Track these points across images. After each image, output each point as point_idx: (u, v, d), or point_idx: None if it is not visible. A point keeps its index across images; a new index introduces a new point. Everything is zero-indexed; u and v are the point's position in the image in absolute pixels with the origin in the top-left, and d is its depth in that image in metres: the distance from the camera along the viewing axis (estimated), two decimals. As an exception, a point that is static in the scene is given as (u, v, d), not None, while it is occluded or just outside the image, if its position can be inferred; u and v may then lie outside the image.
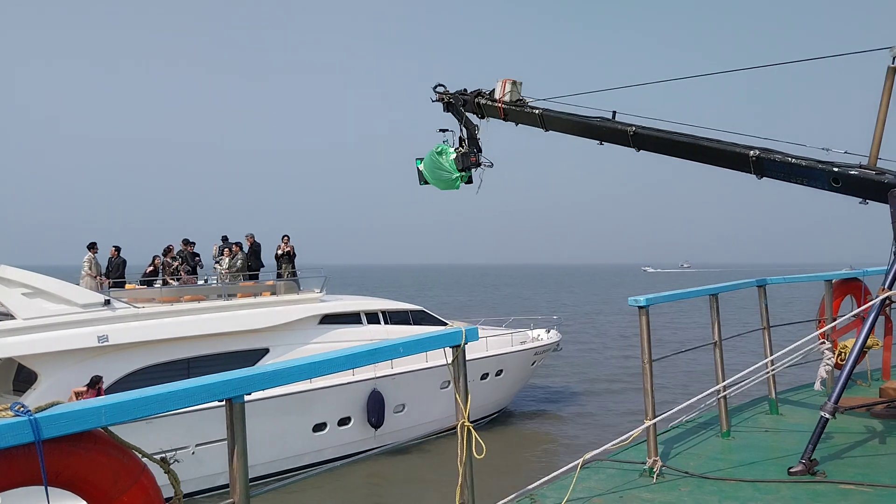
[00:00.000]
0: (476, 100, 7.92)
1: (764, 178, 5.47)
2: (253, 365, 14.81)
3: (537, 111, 7.19)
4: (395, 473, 14.86)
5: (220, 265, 17.22)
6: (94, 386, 12.13)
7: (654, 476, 4.61)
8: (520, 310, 49.10)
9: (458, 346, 3.79)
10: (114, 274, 15.68)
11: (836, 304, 7.09)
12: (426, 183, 9.00)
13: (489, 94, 7.85)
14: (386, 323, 17.49)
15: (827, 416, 4.66)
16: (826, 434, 4.78)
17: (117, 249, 16.25)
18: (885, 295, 4.82)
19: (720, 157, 5.70)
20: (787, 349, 5.27)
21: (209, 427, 12.83)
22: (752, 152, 5.44)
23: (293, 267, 17.79)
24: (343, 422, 15.79)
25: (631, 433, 4.73)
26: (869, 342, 6.56)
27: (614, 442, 4.69)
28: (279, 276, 17.51)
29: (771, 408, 6.37)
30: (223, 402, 2.91)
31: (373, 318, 17.37)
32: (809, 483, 4.37)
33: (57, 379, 12.51)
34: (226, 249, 17.44)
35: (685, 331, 35.65)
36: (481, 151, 8.29)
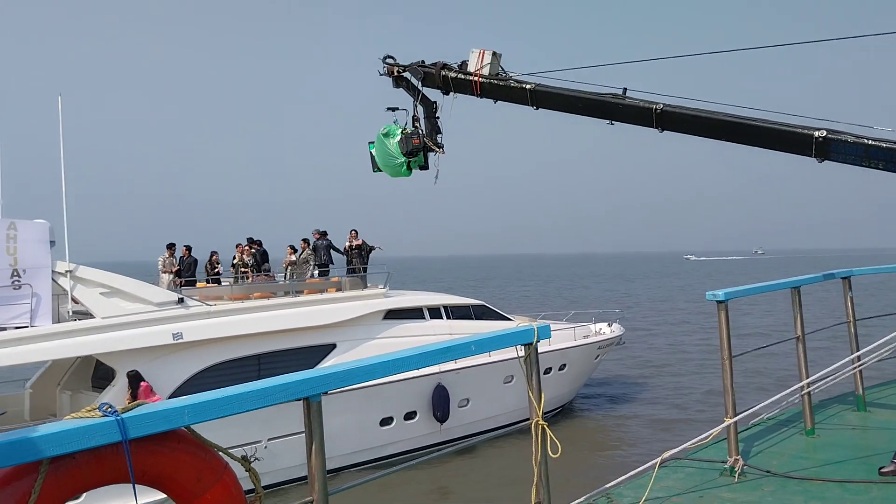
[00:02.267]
0: (442, 73, 7.07)
1: (826, 161, 5.07)
2: (321, 360, 15.12)
3: (528, 86, 6.48)
4: (465, 470, 14.87)
5: (294, 263, 17.51)
6: (137, 383, 12.54)
7: (736, 475, 4.47)
8: (578, 302, 48.57)
9: (531, 343, 3.75)
10: (186, 272, 16.15)
11: None
12: (379, 170, 8.08)
13: (459, 66, 7.01)
14: (448, 318, 17.52)
15: (921, 414, 4.42)
16: None
17: (188, 249, 16.74)
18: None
19: (774, 139, 5.26)
20: (877, 343, 5.02)
21: (281, 422, 13.10)
22: (817, 133, 5.04)
23: (364, 262, 17.96)
24: (409, 416, 15.90)
25: (711, 432, 4.59)
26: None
27: (693, 441, 4.56)
28: (350, 271, 17.71)
29: (858, 404, 6.10)
30: (300, 400, 2.96)
31: (435, 312, 17.41)
32: None
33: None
34: (289, 247, 17.75)
35: (754, 321, 34.66)
36: (440, 133, 7.47)
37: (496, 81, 6.71)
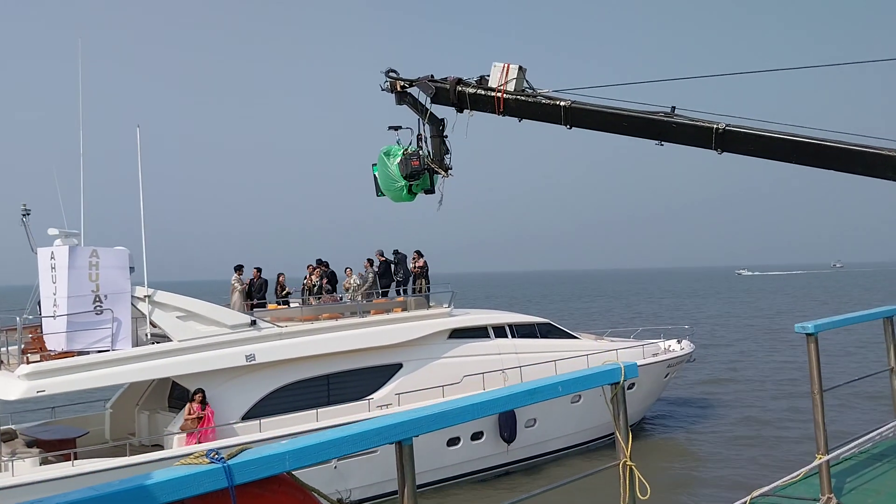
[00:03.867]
0: (457, 88, 6.57)
1: None
2: (388, 380, 15.26)
3: (563, 103, 6.05)
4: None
5: (353, 284, 17.73)
6: (194, 400, 12.92)
7: (829, 514, 4.32)
8: (640, 318, 47.63)
9: (618, 383, 3.72)
10: (257, 294, 16.53)
11: None
12: (383, 194, 7.55)
13: (478, 81, 6.54)
14: (513, 336, 17.43)
15: None
16: None
17: (258, 271, 17.13)
18: None
19: (858, 161, 4.97)
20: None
21: None
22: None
23: (427, 282, 18.06)
24: (476, 436, 15.85)
25: (802, 469, 4.46)
26: None
27: (785, 479, 4.43)
28: (414, 291, 17.83)
29: None
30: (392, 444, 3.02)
31: (500, 331, 17.36)
32: None
33: (210, 396, 13.31)
34: (348, 269, 17.97)
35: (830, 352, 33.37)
36: (449, 153, 6.96)
37: (523, 98, 6.29)
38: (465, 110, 6.66)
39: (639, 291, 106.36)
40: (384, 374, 15.32)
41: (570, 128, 6.04)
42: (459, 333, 16.69)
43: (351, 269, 17.84)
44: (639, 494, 3.59)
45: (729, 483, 14.78)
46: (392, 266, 17.76)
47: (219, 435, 13.05)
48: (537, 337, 17.95)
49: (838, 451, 4.48)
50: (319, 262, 18.14)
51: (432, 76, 6.79)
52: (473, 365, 16.17)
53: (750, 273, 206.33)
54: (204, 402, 13.06)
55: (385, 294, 17.49)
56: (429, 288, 17.92)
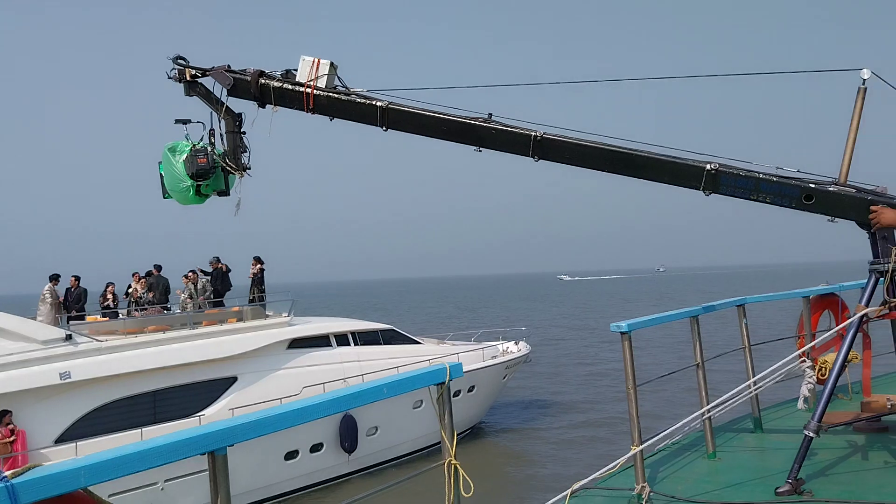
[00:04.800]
0: (260, 81, 6.03)
1: (713, 194, 5.12)
2: (221, 394, 14.55)
3: (380, 103, 5.71)
4: (379, 502, 14.61)
5: (185, 293, 16.84)
6: (1, 423, 11.81)
7: (643, 502, 4.55)
8: (481, 322, 48.98)
9: (443, 383, 3.72)
10: (74, 305, 15.24)
11: (815, 320, 7.14)
12: (169, 196, 6.79)
13: (284, 75, 6.07)
14: (356, 344, 17.27)
15: (811, 434, 4.65)
16: (811, 451, 4.78)
17: (77, 279, 15.82)
18: (863, 312, 4.84)
19: (664, 171, 5.22)
20: (770, 368, 5.27)
21: (177, 462, 12.50)
22: (709, 165, 5.09)
23: (261, 290, 17.47)
24: (315, 448, 15.51)
25: (618, 461, 4.68)
26: (848, 356, 6.64)
27: (602, 470, 4.63)
28: (250, 300, 17.20)
29: (755, 427, 6.37)
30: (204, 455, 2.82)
31: (342, 339, 17.13)
32: (797, 503, 4.35)
33: (20, 419, 12.07)
34: (185, 277, 17.09)
35: (660, 350, 35.96)
36: (246, 151, 6.38)
37: (336, 95, 5.90)
38: (268, 105, 6.10)
39: (474, 297, 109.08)
40: (217, 388, 14.59)
41: (387, 129, 5.75)
42: (299, 343, 16.27)
43: (188, 278, 16.93)
44: (462, 493, 3.60)
45: (556, 478, 15.47)
46: (223, 276, 17.01)
47: (32, 460, 11.85)
48: (381, 344, 17.90)
49: (652, 442, 4.75)
50: (158, 267, 17.04)
51: (229, 66, 6.19)
52: (314, 375, 15.83)
53: (570, 278, 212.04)
54: (11, 425, 11.81)
55: (219, 304, 16.73)
56: (264, 296, 17.34)
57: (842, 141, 5.04)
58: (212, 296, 16.66)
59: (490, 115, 5.55)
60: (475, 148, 5.59)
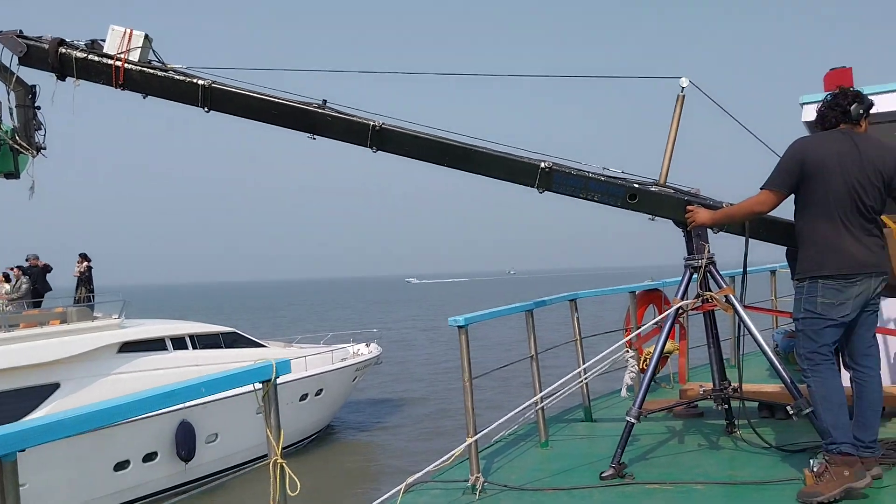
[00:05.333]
0: (60, 50, 5.36)
1: (546, 192, 5.25)
2: (41, 403, 13.34)
3: (202, 82, 5.25)
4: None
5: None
6: None
7: (477, 493, 4.60)
8: (329, 326, 48.32)
9: (269, 380, 3.55)
10: None
11: (641, 314, 7.58)
12: None
13: (88, 45, 5.45)
14: (194, 347, 16.46)
15: (632, 420, 4.88)
16: (633, 437, 5.03)
17: None
18: (678, 305, 5.16)
19: (501, 168, 5.29)
20: (596, 358, 5.51)
21: None
22: (543, 164, 5.22)
23: (89, 290, 16.23)
24: (149, 457, 14.59)
25: (453, 452, 4.70)
26: (669, 347, 7.10)
27: (436, 463, 4.62)
28: (76, 300, 15.93)
29: (585, 416, 6.65)
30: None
31: (180, 343, 16.26)
32: (619, 486, 4.55)
33: None
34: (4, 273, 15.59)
35: (501, 345, 37.09)
36: (41, 129, 5.73)
37: (152, 71, 5.33)
38: (68, 78, 5.42)
39: (323, 301, 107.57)
40: (36, 396, 13.36)
41: (209, 111, 5.28)
42: (132, 347, 15.26)
43: (6, 276, 15.41)
44: (289, 492, 3.45)
45: (399, 474, 15.58)
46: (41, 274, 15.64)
47: None
48: (222, 347, 17.17)
49: (485, 433, 4.81)
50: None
51: (21, 31, 5.47)
52: (148, 380, 14.84)
53: (419, 281, 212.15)
54: None
55: (38, 305, 15.35)
56: (92, 296, 16.14)
57: (662, 145, 5.36)
58: (30, 295, 15.26)
59: (325, 101, 5.28)
60: (309, 136, 5.29)
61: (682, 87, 5.25)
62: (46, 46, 5.40)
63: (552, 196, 5.34)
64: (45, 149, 5.73)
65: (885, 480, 4.20)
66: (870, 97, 4.42)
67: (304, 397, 18.10)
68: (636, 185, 5.23)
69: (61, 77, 5.45)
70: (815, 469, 4.10)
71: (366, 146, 5.23)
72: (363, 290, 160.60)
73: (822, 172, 4.16)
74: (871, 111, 4.41)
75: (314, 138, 5.29)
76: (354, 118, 5.25)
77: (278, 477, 3.44)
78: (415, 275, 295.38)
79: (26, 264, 15.79)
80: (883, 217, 4.36)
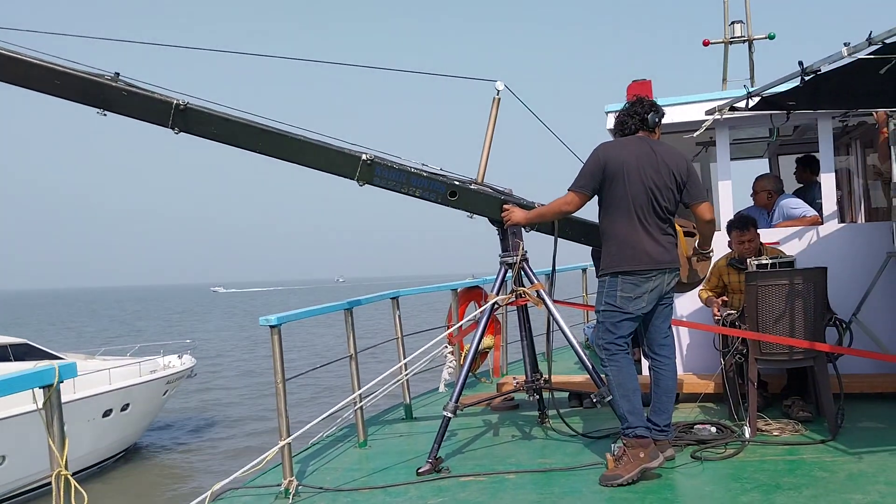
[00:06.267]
0: None
1: (367, 185, 5.13)
2: None
3: None
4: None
5: None
6: None
7: (290, 497, 4.43)
8: (138, 337, 45.29)
9: (51, 385, 3.19)
10: None
11: (462, 311, 7.74)
12: None
13: None
14: (-22, 361, 14.67)
15: (449, 414, 4.94)
16: (451, 431, 5.09)
17: None
18: (493, 300, 5.31)
19: (321, 158, 5.08)
20: (416, 354, 5.51)
21: None
22: (365, 156, 5.07)
23: None
24: (-82, 489, 12.78)
25: (264, 456, 4.49)
26: (487, 343, 7.32)
27: (246, 469, 4.39)
28: None
29: (406, 414, 6.66)
30: None
31: (-42, 357, 14.44)
32: (435, 480, 4.58)
33: None
34: None
35: (325, 351, 36.56)
36: None
37: None
38: None
39: (127, 310, 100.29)
40: None
41: None
42: None
43: None
44: None
45: (199, 483, 14.88)
46: None
47: None
48: (11, 360, 15.45)
49: (298, 434, 4.65)
50: None
51: None
52: None
53: (226, 290, 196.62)
54: None
55: None
56: None
57: (479, 145, 5.49)
58: None
59: (117, 74, 4.71)
60: (99, 111, 4.68)
61: (498, 91, 5.42)
62: None
63: (383, 200, 5.20)
64: None
65: (677, 461, 4.56)
66: (664, 107, 4.81)
67: (108, 413, 16.72)
68: (456, 183, 5.30)
69: None
70: (615, 453, 4.36)
71: (167, 126, 4.73)
72: (164, 299, 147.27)
73: (622, 175, 4.46)
74: (664, 121, 4.81)
75: (105, 114, 4.69)
76: (155, 95, 4.73)
77: (62, 489, 3.11)
78: (221, 283, 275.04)
79: None
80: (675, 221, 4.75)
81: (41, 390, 3.19)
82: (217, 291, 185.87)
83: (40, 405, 3.19)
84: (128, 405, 17.37)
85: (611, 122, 6.46)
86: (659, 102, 4.85)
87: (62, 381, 3.21)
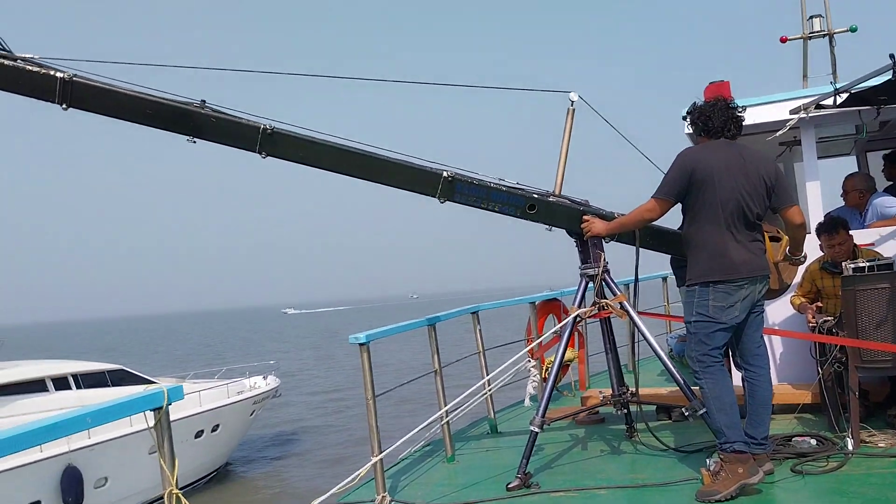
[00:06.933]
0: None
1: (448, 202, 5.13)
2: None
3: (62, 74, 4.51)
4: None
5: None
6: None
7: (385, 513, 4.50)
8: (218, 360, 46.66)
9: (161, 408, 3.35)
10: None
11: (541, 324, 7.71)
12: None
13: None
14: (78, 388, 15.46)
15: (536, 429, 4.92)
16: (538, 446, 5.07)
17: None
18: (576, 313, 5.27)
19: (403, 176, 5.11)
20: (499, 369, 5.53)
21: None
22: (446, 173, 5.10)
23: None
24: (31, 508, 13.51)
25: (358, 472, 4.58)
26: (569, 355, 7.26)
27: (341, 485, 4.49)
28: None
29: (491, 428, 6.67)
30: None
31: (61, 383, 15.22)
32: (525, 496, 4.57)
33: None
34: None
35: (403, 367, 36.86)
36: None
37: None
38: None
39: (205, 334, 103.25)
40: None
41: (67, 108, 4.61)
42: (8, 390, 14.16)
43: None
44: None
45: (295, 500, 15.11)
46: None
47: None
48: (109, 386, 16.23)
49: (392, 451, 4.74)
50: None
51: None
52: None
53: (296, 311, 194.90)
54: None
55: None
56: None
57: (549, 156, 5.49)
58: None
59: (203, 101, 4.77)
60: (188, 138, 4.77)
61: (572, 101, 5.40)
62: None
63: (449, 219, 5.24)
64: None
65: (776, 475, 4.41)
66: (746, 108, 4.71)
67: (199, 434, 17.33)
68: (535, 196, 5.27)
69: None
70: (711, 468, 4.26)
71: (254, 151, 4.79)
72: (236, 322, 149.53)
73: (712, 181, 4.35)
74: (745, 123, 4.70)
75: (194, 141, 4.78)
76: (242, 120, 4.81)
77: (174, 508, 3.25)
78: (291, 304, 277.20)
79: None
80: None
81: (152, 413, 3.35)
82: (287, 312, 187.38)
83: (151, 426, 3.35)
84: (218, 426, 17.96)
85: (687, 127, 6.35)
86: (739, 103, 4.75)
87: (170, 404, 3.36)
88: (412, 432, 5.02)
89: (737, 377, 4.73)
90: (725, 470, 4.18)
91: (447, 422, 5.65)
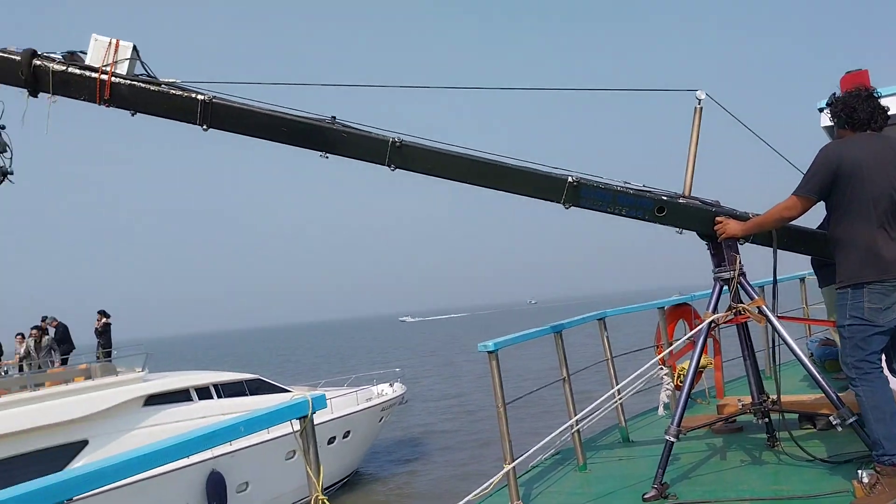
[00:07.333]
0: (34, 63, 4.73)
1: (572, 207, 5.05)
2: (70, 461, 13.30)
3: (202, 97, 4.72)
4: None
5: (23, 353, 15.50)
6: None
7: (520, 521, 4.51)
8: (345, 368, 48.13)
9: (306, 416, 3.52)
10: None
11: (671, 329, 7.48)
12: None
13: (66, 56, 4.84)
14: (219, 397, 16.47)
15: (672, 438, 4.78)
16: (674, 455, 4.92)
17: None
18: (711, 318, 5.08)
19: (526, 183, 5.06)
20: (630, 378, 5.42)
21: None
22: (570, 178, 5.02)
23: (105, 346, 16.33)
24: (180, 510, 14.48)
25: (491, 480, 4.62)
26: (703, 362, 6.99)
27: (476, 492, 4.54)
28: (98, 356, 16.05)
29: (622, 436, 6.54)
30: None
31: (204, 392, 16.27)
32: None
33: None
34: (17, 336, 15.74)
35: (528, 374, 36.69)
36: (7, 151, 5.08)
37: (143, 85, 4.78)
38: (41, 94, 4.81)
39: (331, 344, 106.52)
40: (65, 454, 13.34)
41: (207, 129, 4.79)
42: (157, 399, 15.29)
43: (23, 336, 15.53)
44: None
45: None
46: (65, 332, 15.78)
47: None
48: (246, 395, 17.18)
49: (524, 459, 4.75)
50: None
51: None
52: (176, 432, 14.76)
53: (413, 319, 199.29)
54: None
55: (65, 362, 15.46)
56: (110, 352, 16.21)
57: (671, 156, 5.31)
58: (57, 354, 15.40)
59: (334, 117, 4.90)
60: (321, 154, 4.89)
61: (699, 100, 5.21)
62: (17, 58, 4.77)
63: (566, 221, 5.18)
64: (11, 174, 5.13)
65: None
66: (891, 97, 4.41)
67: (331, 440, 17.98)
68: (664, 198, 5.08)
69: (33, 93, 4.81)
70: (864, 480, 3.98)
71: (383, 164, 4.87)
72: (356, 331, 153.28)
73: (860, 176, 4.07)
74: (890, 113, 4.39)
75: (327, 157, 4.89)
76: (372, 134, 4.91)
77: (320, 513, 3.40)
78: (409, 313, 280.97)
79: (43, 326, 15.96)
80: None
81: (297, 421, 3.52)
82: (405, 321, 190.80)
83: (297, 435, 3.53)
84: (349, 432, 18.58)
85: (825, 120, 5.99)
86: (881, 93, 4.44)
87: (315, 412, 3.53)
88: (544, 440, 5.00)
89: (894, 384, 4.41)
90: (882, 484, 3.89)
91: (578, 430, 5.59)
